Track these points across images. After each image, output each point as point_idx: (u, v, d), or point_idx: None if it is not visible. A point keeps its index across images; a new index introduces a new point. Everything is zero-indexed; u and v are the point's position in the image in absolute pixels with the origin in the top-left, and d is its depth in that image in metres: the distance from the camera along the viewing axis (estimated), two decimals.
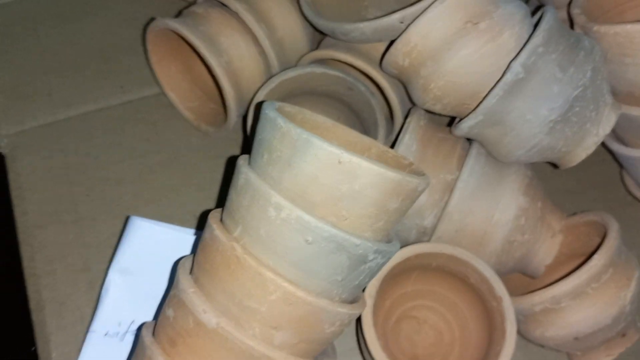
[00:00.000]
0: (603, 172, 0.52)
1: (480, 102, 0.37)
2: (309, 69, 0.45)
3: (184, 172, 0.51)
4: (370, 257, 0.33)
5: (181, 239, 0.43)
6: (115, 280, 0.42)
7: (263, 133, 0.34)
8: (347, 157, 0.31)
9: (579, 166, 0.52)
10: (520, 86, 0.36)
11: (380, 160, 0.40)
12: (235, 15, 0.46)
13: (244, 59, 0.46)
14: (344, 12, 0.47)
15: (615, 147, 0.45)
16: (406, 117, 0.44)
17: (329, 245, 0.32)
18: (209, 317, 0.32)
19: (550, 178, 0.52)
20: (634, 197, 0.48)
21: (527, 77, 0.36)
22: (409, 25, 0.38)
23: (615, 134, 0.45)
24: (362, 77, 0.46)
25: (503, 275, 0.44)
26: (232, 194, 0.35)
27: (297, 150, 0.32)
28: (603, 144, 0.47)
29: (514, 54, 0.36)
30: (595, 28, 0.39)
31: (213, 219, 0.35)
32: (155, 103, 0.54)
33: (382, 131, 0.44)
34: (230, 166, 0.46)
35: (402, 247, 0.41)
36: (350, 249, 0.32)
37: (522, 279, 0.45)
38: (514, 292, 0.45)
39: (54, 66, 0.55)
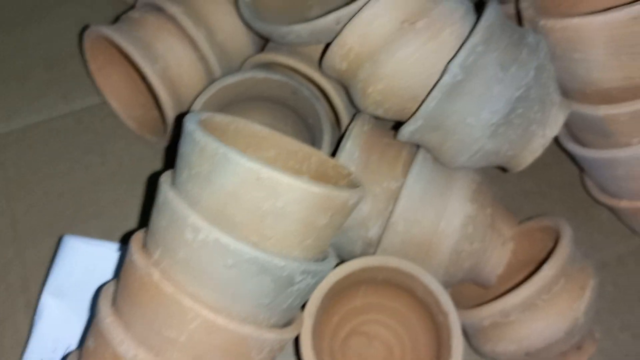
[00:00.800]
0: (564, 172, 0.50)
1: (420, 106, 0.35)
2: (249, 75, 0.43)
3: (129, 183, 0.49)
4: (298, 279, 0.31)
5: (114, 258, 0.41)
6: (48, 303, 0.40)
7: (183, 147, 0.32)
8: (266, 173, 0.29)
9: (538, 166, 0.50)
10: (459, 88, 0.34)
11: (320, 170, 0.38)
12: (172, 19, 0.44)
13: (183, 65, 0.44)
14: (287, 12, 0.45)
15: (571, 147, 0.43)
16: (351, 120, 0.42)
17: (251, 267, 0.30)
18: (127, 348, 0.30)
19: (507, 180, 0.50)
20: (595, 200, 0.46)
21: (466, 78, 0.34)
22: (344, 26, 0.36)
23: (571, 133, 0.43)
24: (308, 81, 0.44)
25: (454, 285, 0.42)
26: (153, 213, 0.32)
27: (215, 166, 0.29)
28: (560, 145, 0.45)
29: (454, 53, 0.34)
30: (542, 22, 0.37)
31: (134, 242, 0.33)
32: (99, 112, 0.52)
33: (327, 137, 0.42)
34: (152, 184, 0.44)
35: (348, 260, 0.39)
36: (275, 271, 0.30)
37: (477, 288, 0.43)
38: (468, 302, 0.43)
39: None
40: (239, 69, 0.47)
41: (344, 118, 0.44)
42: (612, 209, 0.45)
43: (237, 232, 0.30)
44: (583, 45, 0.36)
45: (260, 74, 0.43)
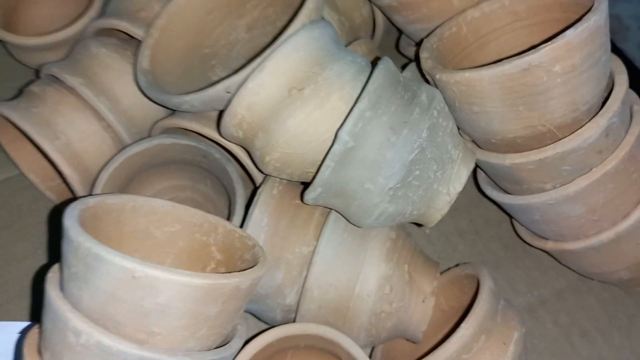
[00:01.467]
0: (496, 209, 0.49)
1: (316, 172, 0.34)
2: (155, 142, 0.42)
3: (52, 259, 0.47)
4: None
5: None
6: None
7: (62, 244, 0.30)
8: (141, 270, 0.27)
9: (471, 204, 0.50)
10: (351, 155, 0.33)
11: (226, 241, 0.37)
12: (72, 91, 0.43)
13: (87, 137, 0.43)
14: (189, 74, 0.43)
15: (490, 192, 0.42)
16: (262, 182, 0.41)
17: None
18: None
19: (441, 219, 0.49)
20: (525, 242, 0.45)
21: (357, 145, 0.33)
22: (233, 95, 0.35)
23: (488, 179, 0.42)
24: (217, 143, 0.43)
25: (380, 344, 0.41)
26: (42, 312, 0.31)
27: (89, 266, 0.28)
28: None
29: (344, 119, 0.33)
30: (438, 76, 0.36)
31: (27, 344, 0.31)
32: (16, 185, 0.50)
33: (239, 200, 0.41)
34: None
35: (270, 326, 0.37)
36: None
37: (409, 342, 0.42)
38: (401, 356, 0.42)
39: None
40: (150, 134, 0.45)
41: (258, 178, 0.42)
42: (541, 250, 0.44)
43: (122, 331, 0.28)
44: (478, 98, 0.35)
45: (167, 140, 0.42)
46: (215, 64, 0.44)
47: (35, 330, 0.33)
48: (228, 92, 0.35)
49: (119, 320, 0.28)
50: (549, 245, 0.41)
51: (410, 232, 0.45)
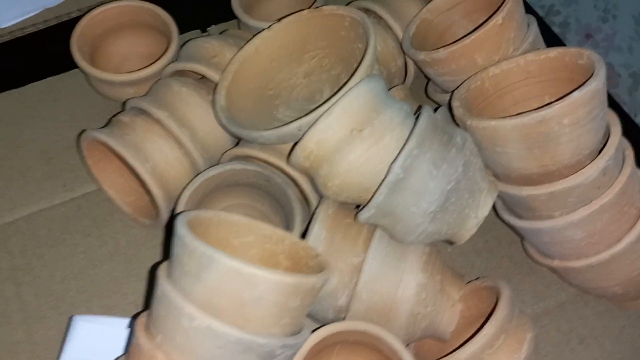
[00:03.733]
0: (507, 231, 0.57)
1: (372, 197, 0.42)
2: (228, 167, 0.50)
3: (125, 263, 0.55)
4: (278, 352, 0.37)
5: (120, 334, 0.47)
6: None
7: (175, 248, 0.38)
8: (245, 269, 0.35)
9: (486, 227, 0.58)
10: (401, 184, 0.41)
11: (292, 251, 0.45)
12: (158, 121, 0.51)
13: (169, 161, 0.51)
14: (258, 111, 0.52)
15: (506, 217, 0.50)
16: (319, 204, 0.49)
17: (237, 347, 0.36)
18: None
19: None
20: (534, 260, 0.53)
21: (405, 177, 0.41)
22: (305, 132, 0.43)
23: (505, 206, 0.51)
24: (279, 169, 0.51)
25: (415, 341, 0.48)
26: (153, 302, 0.39)
27: (202, 265, 0.36)
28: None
29: (395, 154, 0.42)
30: (468, 122, 0.45)
31: (139, 325, 0.39)
32: (95, 199, 0.58)
33: (298, 218, 0.49)
34: (154, 270, 0.50)
35: (322, 325, 0.45)
36: (257, 349, 0.36)
37: (436, 342, 0.49)
38: (429, 354, 0.50)
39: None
40: (219, 160, 0.54)
41: (312, 201, 0.50)
42: (548, 267, 0.52)
43: (224, 318, 0.36)
44: (501, 141, 0.43)
45: (238, 166, 0.50)
46: (278, 104, 0.52)
47: (142, 318, 0.40)
48: (299, 130, 0.44)
49: (222, 309, 0.36)
50: (555, 263, 0.49)
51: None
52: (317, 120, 0.43)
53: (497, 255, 0.57)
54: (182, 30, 0.62)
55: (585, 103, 0.42)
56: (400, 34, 0.58)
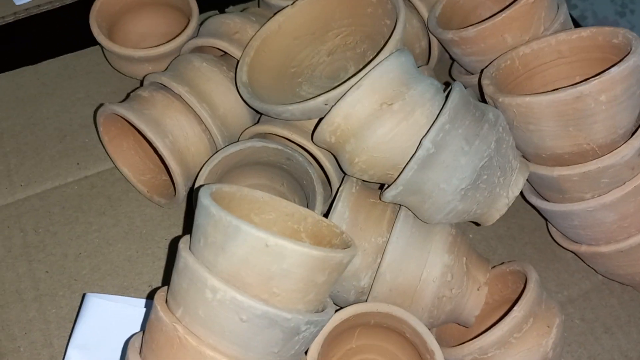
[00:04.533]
0: (532, 218, 0.56)
1: (400, 173, 0.41)
2: (249, 144, 0.48)
3: (140, 242, 0.54)
4: (303, 329, 0.36)
5: (135, 312, 0.46)
6: (74, 356, 0.44)
7: (199, 219, 0.37)
8: (273, 240, 0.34)
9: (509, 213, 0.56)
10: (431, 160, 0.40)
11: (315, 229, 0.44)
12: (178, 97, 0.50)
13: (189, 137, 0.50)
14: (280, 89, 0.51)
15: (534, 201, 0.49)
16: (342, 183, 0.47)
17: (263, 321, 0.35)
18: None
19: (484, 226, 0.56)
20: (560, 245, 0.51)
21: (437, 152, 0.40)
22: (332, 107, 0.42)
23: (533, 189, 0.49)
24: (300, 148, 0.50)
25: (438, 326, 0.47)
26: (174, 276, 0.37)
27: (228, 236, 0.35)
28: (525, 198, 0.51)
29: (425, 130, 0.40)
30: (501, 99, 0.43)
31: (158, 300, 0.38)
32: (110, 177, 0.57)
33: (319, 197, 0.48)
34: (174, 247, 0.49)
35: (342, 307, 0.44)
36: (283, 323, 0.35)
37: (459, 327, 0.48)
38: (451, 340, 0.49)
39: (13, 148, 0.58)
40: (239, 138, 0.52)
41: (334, 180, 0.49)
42: (574, 253, 0.50)
43: (249, 292, 0.35)
44: (535, 119, 0.42)
45: (259, 143, 0.49)
46: (301, 81, 0.51)
47: (162, 292, 0.39)
48: (326, 104, 0.42)
49: (247, 281, 0.35)
50: (583, 248, 0.48)
51: None
52: (345, 94, 0.41)
53: (520, 242, 0.56)
54: (201, 10, 0.61)
55: (623, 80, 0.40)
56: (425, 14, 0.56)
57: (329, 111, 0.42)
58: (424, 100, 0.41)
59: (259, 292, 0.35)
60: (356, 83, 0.41)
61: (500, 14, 0.48)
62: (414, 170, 0.40)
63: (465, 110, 0.41)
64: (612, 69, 0.40)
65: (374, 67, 0.41)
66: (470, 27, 0.50)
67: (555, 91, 0.40)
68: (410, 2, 0.57)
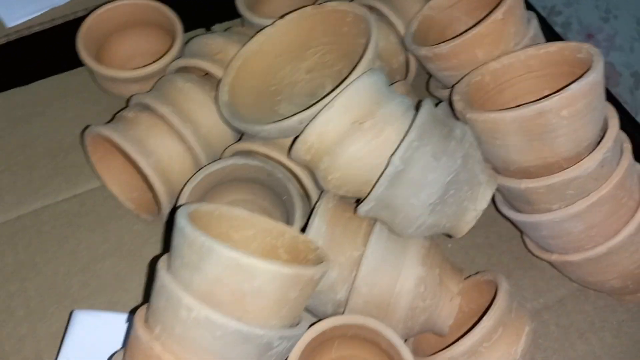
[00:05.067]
0: (508, 226, 0.57)
1: (371, 190, 0.42)
2: (230, 162, 0.50)
3: (128, 258, 0.55)
4: (276, 344, 0.37)
5: (122, 328, 0.47)
6: None
7: (175, 240, 0.39)
8: (245, 259, 0.36)
9: (486, 222, 0.58)
10: (400, 176, 0.41)
11: (292, 244, 0.45)
12: (162, 117, 0.52)
13: (173, 156, 0.51)
14: (260, 107, 0.52)
15: (505, 212, 0.50)
16: (319, 199, 0.49)
17: (236, 338, 0.36)
18: None
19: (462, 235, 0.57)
20: (533, 254, 0.53)
21: (405, 169, 0.41)
22: (306, 126, 0.43)
23: (504, 200, 0.51)
24: (280, 164, 0.52)
25: (413, 336, 0.48)
26: (153, 295, 0.39)
27: (202, 256, 0.36)
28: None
29: (396, 147, 0.42)
30: (468, 115, 0.45)
31: (138, 318, 0.39)
32: (99, 195, 0.58)
33: (298, 212, 0.49)
34: (154, 265, 0.50)
35: (320, 319, 0.45)
36: (256, 339, 0.36)
37: (436, 336, 0.50)
38: (429, 349, 0.50)
39: (5, 167, 0.60)
40: (221, 156, 0.54)
41: (313, 195, 0.51)
42: (547, 261, 0.52)
43: (223, 309, 0.36)
44: (501, 134, 0.43)
45: (240, 161, 0.50)
46: (280, 99, 0.53)
47: (142, 310, 0.41)
48: (301, 124, 0.44)
49: (221, 299, 0.36)
50: (554, 257, 0.49)
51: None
52: (318, 113, 0.43)
53: (497, 250, 0.57)
54: (187, 28, 0.63)
55: (583, 95, 0.42)
56: (402, 30, 0.58)
57: (303, 130, 0.44)
58: (394, 118, 0.43)
59: (233, 310, 0.37)
60: (328, 103, 0.43)
61: (470, 30, 0.50)
62: (384, 187, 0.42)
63: (433, 128, 0.42)
64: (573, 85, 0.41)
65: (346, 87, 0.43)
66: (442, 44, 0.51)
67: (518, 108, 0.42)
68: (388, 18, 0.59)
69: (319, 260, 0.42)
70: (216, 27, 0.69)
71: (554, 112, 0.42)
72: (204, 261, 0.36)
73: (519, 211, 0.49)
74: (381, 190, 0.42)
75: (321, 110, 0.43)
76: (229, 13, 0.67)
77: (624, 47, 1.01)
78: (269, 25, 0.54)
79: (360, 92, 0.43)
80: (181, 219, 0.38)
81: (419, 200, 0.42)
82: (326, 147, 0.43)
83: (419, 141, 0.41)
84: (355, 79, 0.43)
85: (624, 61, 0.99)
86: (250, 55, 0.53)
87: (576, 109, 0.42)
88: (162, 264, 0.39)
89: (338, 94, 0.43)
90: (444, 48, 0.51)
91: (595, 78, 0.42)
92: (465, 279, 0.51)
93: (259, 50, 0.53)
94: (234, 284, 0.36)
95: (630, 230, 0.46)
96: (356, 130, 0.42)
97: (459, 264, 0.55)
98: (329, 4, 0.52)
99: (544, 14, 1.02)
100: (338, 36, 0.53)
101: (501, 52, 0.51)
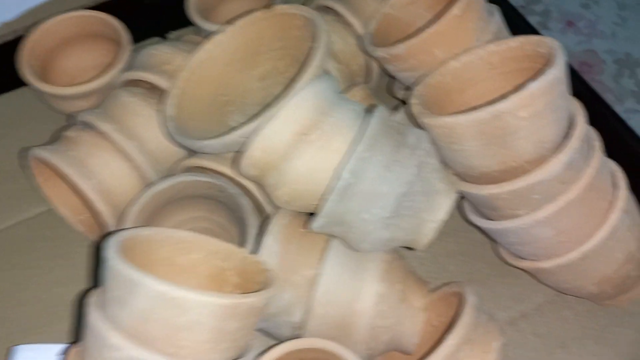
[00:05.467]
0: (480, 233, 0.54)
1: (321, 205, 0.39)
2: (178, 180, 0.47)
3: (81, 285, 0.52)
4: None
5: None
6: None
7: (102, 272, 0.36)
8: (176, 292, 0.33)
9: (459, 228, 0.55)
10: (351, 190, 0.39)
11: (242, 266, 0.42)
12: (105, 135, 0.49)
13: (117, 176, 0.49)
14: (211, 120, 0.49)
15: (472, 218, 0.47)
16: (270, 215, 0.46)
17: None
18: None
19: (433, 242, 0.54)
20: (504, 262, 0.50)
21: (355, 182, 0.38)
22: (250, 140, 0.41)
23: (472, 208, 0.48)
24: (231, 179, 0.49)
25: (378, 355, 0.46)
26: (82, 331, 0.36)
27: (130, 290, 0.33)
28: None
29: (345, 158, 0.39)
30: (424, 120, 0.42)
31: (69, 356, 0.36)
32: (48, 219, 0.55)
33: (251, 230, 0.46)
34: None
35: (278, 343, 0.42)
36: None
37: (404, 355, 0.47)
38: None
39: None
40: (172, 171, 0.51)
41: (267, 210, 0.48)
42: (520, 269, 0.49)
43: (155, 346, 0.33)
44: (457, 139, 0.40)
45: (189, 178, 0.48)
46: (232, 110, 0.50)
47: (75, 348, 0.38)
48: (244, 138, 0.41)
49: (153, 335, 0.34)
50: (525, 264, 0.46)
51: (404, 255, 0.50)
52: (261, 126, 0.40)
53: (470, 257, 0.54)
54: (141, 38, 0.60)
55: (542, 94, 0.39)
56: (361, 31, 0.55)
57: (248, 145, 0.41)
58: (343, 127, 0.40)
59: (165, 346, 0.34)
60: (270, 115, 0.40)
61: (427, 29, 0.47)
62: (334, 202, 0.39)
63: (384, 136, 0.40)
64: (531, 84, 0.38)
65: (289, 97, 0.40)
66: (399, 44, 0.49)
67: (473, 111, 0.39)
68: (345, 18, 0.56)
69: (268, 284, 0.39)
70: (171, 35, 0.66)
71: (512, 113, 0.39)
72: (132, 295, 0.33)
73: (487, 217, 0.46)
74: (331, 205, 0.39)
75: (263, 123, 0.40)
76: (184, 20, 0.64)
77: (606, 33, 0.98)
78: (218, 31, 0.51)
79: (304, 102, 0.40)
80: (107, 250, 0.35)
81: (372, 215, 0.39)
82: (272, 161, 0.40)
83: (370, 152, 0.39)
84: (298, 88, 0.40)
85: (607, 48, 0.96)
86: (198, 65, 0.50)
87: (536, 109, 0.39)
88: (91, 298, 0.37)
89: (281, 104, 0.40)
90: (400, 48, 0.48)
91: (554, 75, 0.39)
92: (434, 290, 0.48)
93: (208, 59, 0.50)
94: (165, 319, 0.33)
95: (603, 234, 0.43)
96: (302, 142, 0.40)
97: (430, 274, 0.53)
98: (278, 7, 0.49)
99: (522, 2, 0.99)
100: (289, 40, 0.50)
101: (461, 50, 0.47)
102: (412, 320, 0.43)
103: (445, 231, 0.46)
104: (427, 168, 0.41)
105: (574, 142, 0.41)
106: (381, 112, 0.41)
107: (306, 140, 0.40)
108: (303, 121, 0.40)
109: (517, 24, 0.60)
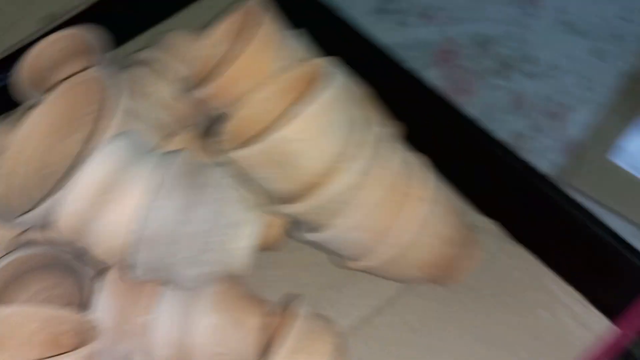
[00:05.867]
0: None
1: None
2: (13, 257, 0.48)
3: None
4: None
5: None
6: None
7: None
8: None
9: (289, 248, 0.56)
10: (153, 239, 0.41)
11: (79, 328, 0.44)
12: None
13: None
14: (42, 192, 0.51)
15: (296, 235, 0.50)
16: None
17: None
18: None
19: (261, 267, 0.50)
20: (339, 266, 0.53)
21: (152, 230, 0.41)
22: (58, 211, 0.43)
23: (297, 225, 0.51)
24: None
25: None
26: None
27: None
28: None
29: (146, 210, 0.41)
30: (226, 155, 0.45)
31: None
32: None
33: (87, 288, 0.48)
34: None
35: None
36: None
37: None
38: None
39: None
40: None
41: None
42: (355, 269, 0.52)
43: None
44: (251, 168, 0.44)
45: (25, 252, 0.49)
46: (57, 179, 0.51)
47: None
48: (49, 211, 0.43)
49: None
50: (351, 264, 0.50)
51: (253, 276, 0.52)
52: (63, 196, 0.42)
53: (323, 265, 0.57)
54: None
55: (316, 116, 0.42)
56: (181, 73, 0.58)
57: (57, 215, 0.43)
58: (141, 178, 0.43)
59: None
60: (71, 184, 0.42)
61: (230, 66, 0.50)
62: (138, 253, 0.41)
63: (184, 180, 0.42)
64: (304, 109, 0.42)
65: (82, 166, 0.42)
66: (208, 84, 0.51)
67: (255, 141, 0.42)
68: (161, 63, 0.58)
69: (92, 340, 0.41)
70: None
71: (292, 137, 0.42)
72: None
73: (308, 232, 0.49)
74: (136, 257, 0.41)
75: (60, 196, 0.42)
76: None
77: (463, 17, 1.03)
78: (35, 105, 0.53)
79: (97, 166, 0.42)
80: None
81: (177, 259, 0.42)
82: (79, 227, 0.43)
83: (168, 199, 0.41)
84: (90, 155, 0.42)
85: (465, 30, 1.01)
86: (19, 143, 0.52)
87: (313, 130, 0.42)
88: None
89: (77, 175, 0.42)
90: (210, 88, 0.51)
91: (326, 97, 0.43)
92: (286, 308, 0.50)
93: (28, 135, 0.52)
94: None
95: (411, 226, 0.47)
96: (103, 202, 0.42)
97: (287, 289, 0.55)
98: (81, 74, 0.51)
99: (378, 4, 1.04)
100: (101, 102, 0.52)
101: (265, 79, 0.51)
102: (252, 340, 0.46)
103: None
104: (229, 202, 0.44)
105: (365, 151, 0.44)
106: (180, 156, 0.44)
107: (107, 199, 0.42)
108: (100, 184, 0.42)
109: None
